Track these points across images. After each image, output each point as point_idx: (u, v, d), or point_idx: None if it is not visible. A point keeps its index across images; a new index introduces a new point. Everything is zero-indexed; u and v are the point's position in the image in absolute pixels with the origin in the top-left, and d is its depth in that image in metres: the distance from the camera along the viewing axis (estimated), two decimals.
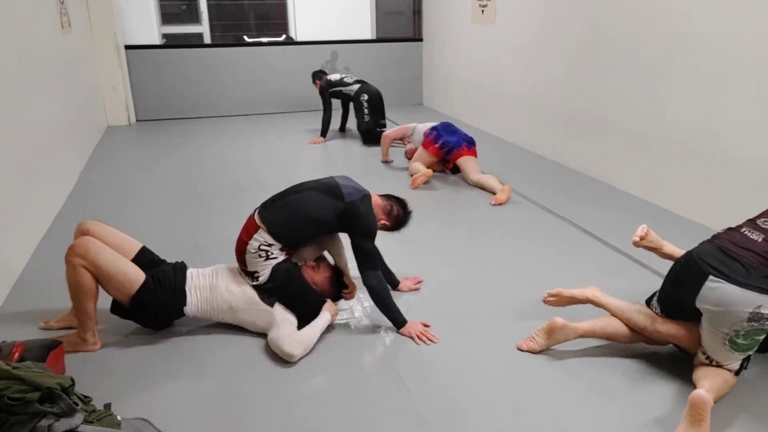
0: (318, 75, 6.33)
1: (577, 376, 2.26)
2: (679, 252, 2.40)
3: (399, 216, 2.71)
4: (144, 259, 2.53)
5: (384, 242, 2.88)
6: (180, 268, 2.53)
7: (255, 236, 2.47)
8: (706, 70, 3.61)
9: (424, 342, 2.47)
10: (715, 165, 3.62)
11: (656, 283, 2.98)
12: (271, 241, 2.47)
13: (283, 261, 2.53)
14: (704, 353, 2.10)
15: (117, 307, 2.45)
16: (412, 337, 2.49)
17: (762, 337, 2.01)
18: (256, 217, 2.53)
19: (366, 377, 2.28)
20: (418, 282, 2.99)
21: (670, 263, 2.36)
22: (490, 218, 3.92)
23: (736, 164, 3.48)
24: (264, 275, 2.49)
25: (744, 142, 3.42)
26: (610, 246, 3.44)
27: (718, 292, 1.98)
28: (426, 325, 2.57)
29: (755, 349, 2.05)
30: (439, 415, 2.05)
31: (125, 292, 2.35)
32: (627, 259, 3.27)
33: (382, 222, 2.66)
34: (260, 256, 2.47)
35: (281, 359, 2.35)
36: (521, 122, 5.80)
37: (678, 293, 2.16)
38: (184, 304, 2.45)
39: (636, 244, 2.48)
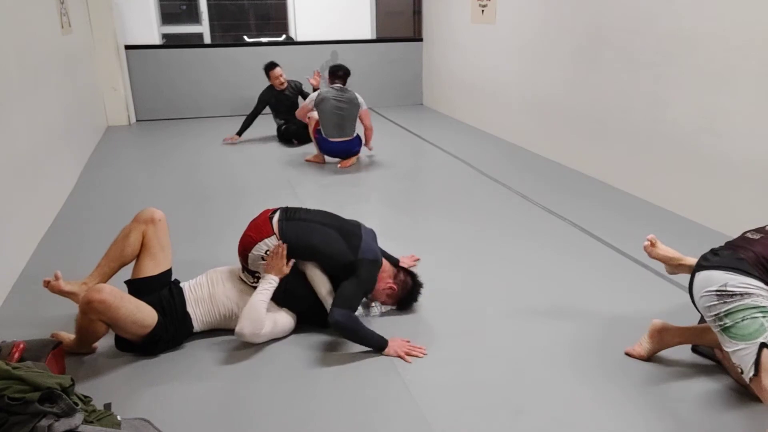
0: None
1: (578, 376, 2.26)
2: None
3: (407, 283, 2.68)
4: (158, 279, 2.49)
5: (385, 242, 2.89)
6: (177, 291, 2.49)
7: (266, 240, 2.50)
8: (706, 70, 3.61)
9: (416, 356, 2.37)
10: (714, 165, 3.62)
11: (656, 284, 3.00)
12: None
13: None
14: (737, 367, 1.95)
15: (121, 343, 2.39)
16: (400, 356, 2.36)
17: (751, 320, 1.84)
18: (274, 222, 2.54)
19: (367, 378, 2.27)
20: (416, 260, 3.21)
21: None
22: (489, 217, 3.92)
23: (736, 164, 3.48)
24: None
25: (743, 142, 3.42)
26: (610, 246, 3.43)
27: (697, 281, 2.01)
28: (406, 341, 2.46)
29: (759, 335, 1.82)
30: (441, 415, 2.05)
31: (137, 334, 2.30)
32: (627, 259, 3.26)
33: (389, 285, 2.63)
34: (263, 258, 2.50)
35: (281, 360, 2.36)
36: (521, 122, 5.80)
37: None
38: (192, 327, 2.46)
39: (649, 254, 2.39)
